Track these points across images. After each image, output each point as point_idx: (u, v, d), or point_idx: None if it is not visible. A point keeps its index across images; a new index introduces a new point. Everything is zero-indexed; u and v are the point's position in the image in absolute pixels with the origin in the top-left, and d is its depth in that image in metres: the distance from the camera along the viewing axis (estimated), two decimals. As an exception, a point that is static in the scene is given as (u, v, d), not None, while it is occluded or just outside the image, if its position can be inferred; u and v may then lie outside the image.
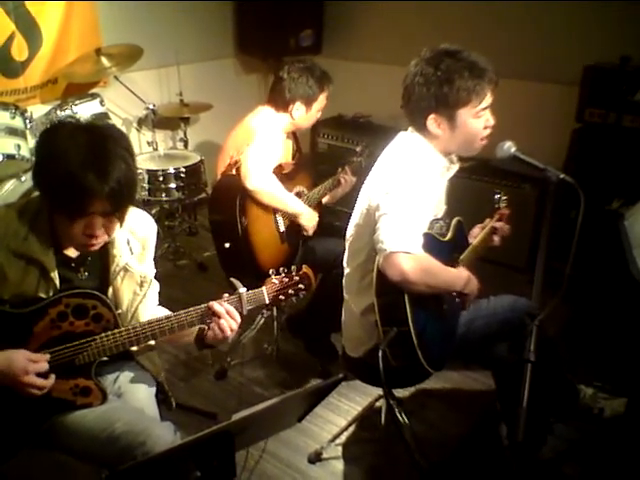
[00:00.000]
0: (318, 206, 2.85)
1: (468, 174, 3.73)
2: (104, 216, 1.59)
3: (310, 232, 2.79)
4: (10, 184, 3.25)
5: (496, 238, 2.23)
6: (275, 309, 2.87)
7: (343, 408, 2.70)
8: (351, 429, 2.53)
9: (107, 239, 1.67)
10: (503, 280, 3.19)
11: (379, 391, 2.46)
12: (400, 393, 2.57)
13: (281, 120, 2.76)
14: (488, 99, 1.92)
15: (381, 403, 2.43)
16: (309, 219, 2.77)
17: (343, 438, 2.51)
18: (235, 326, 1.73)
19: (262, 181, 2.56)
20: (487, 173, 3.74)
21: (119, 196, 1.56)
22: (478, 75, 1.87)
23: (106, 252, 1.75)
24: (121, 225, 1.69)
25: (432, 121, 1.94)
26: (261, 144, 2.60)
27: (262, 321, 3.00)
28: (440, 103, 1.89)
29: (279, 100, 2.73)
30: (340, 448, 2.48)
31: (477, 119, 1.93)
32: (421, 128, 1.98)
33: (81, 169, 1.49)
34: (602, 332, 2.92)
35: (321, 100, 2.77)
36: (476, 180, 3.77)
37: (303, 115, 2.76)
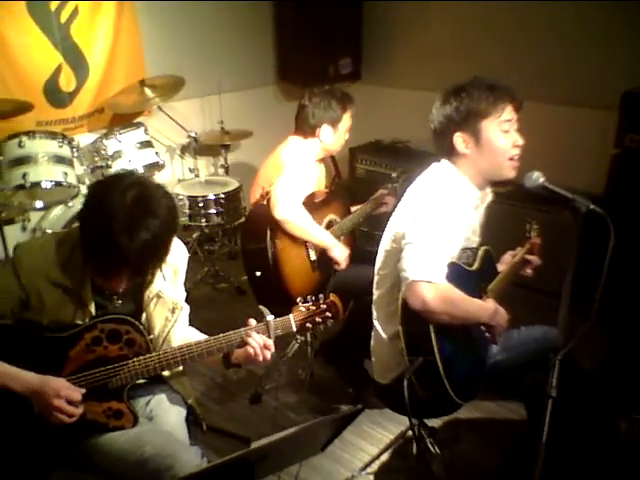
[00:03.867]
0: (350, 234, 2.86)
1: (506, 200, 3.68)
2: (127, 277, 1.67)
3: (343, 265, 2.77)
4: (58, 209, 3.40)
5: (528, 270, 2.22)
6: (309, 335, 2.89)
7: (376, 437, 2.68)
8: (383, 458, 2.52)
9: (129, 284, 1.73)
10: (541, 307, 3.13)
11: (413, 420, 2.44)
12: (434, 422, 2.53)
13: (311, 147, 2.81)
14: (510, 113, 1.94)
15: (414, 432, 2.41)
16: (340, 253, 2.76)
17: (375, 467, 2.49)
18: (269, 357, 1.78)
19: (289, 211, 2.60)
20: (526, 199, 3.69)
21: (143, 264, 1.64)
22: (497, 90, 1.93)
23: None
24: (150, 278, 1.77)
25: (459, 139, 1.96)
26: (290, 174, 2.65)
27: (296, 346, 3.02)
28: (462, 117, 1.93)
29: (305, 127, 2.80)
30: (372, 477, 2.46)
31: (503, 134, 1.94)
32: (449, 152, 2.00)
33: (118, 236, 1.54)
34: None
35: (346, 120, 2.81)
36: (515, 206, 3.71)
37: (331, 137, 2.81)
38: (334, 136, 2.81)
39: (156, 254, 1.65)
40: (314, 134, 2.79)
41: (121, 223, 1.54)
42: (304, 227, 2.67)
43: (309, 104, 2.78)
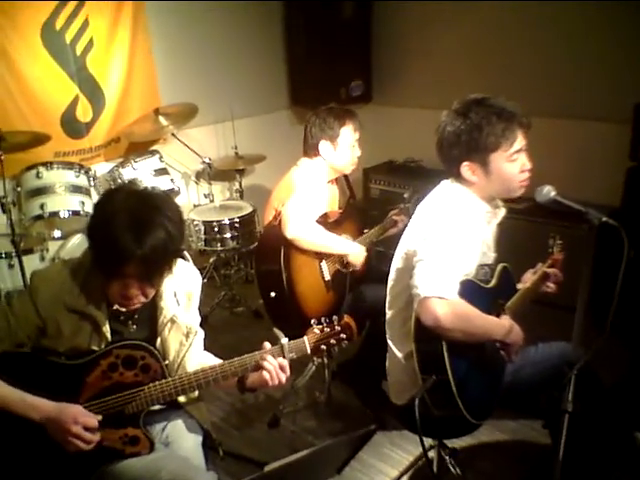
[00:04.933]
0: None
1: (524, 215, 3.66)
2: (139, 280, 1.66)
3: (357, 267, 2.80)
4: (76, 238, 3.46)
5: (550, 285, 2.19)
6: (326, 356, 2.88)
7: (396, 459, 2.65)
8: (403, 480, 2.49)
9: (145, 300, 1.74)
10: (562, 322, 3.08)
11: (431, 441, 2.40)
12: (455, 442, 2.50)
13: (319, 166, 2.82)
14: (520, 142, 1.92)
15: (434, 453, 2.38)
16: (356, 256, 2.79)
17: (394, 489, 2.47)
18: (284, 379, 1.77)
19: (300, 229, 2.61)
20: (544, 214, 3.66)
21: (152, 263, 1.63)
22: (507, 119, 1.89)
23: (154, 304, 1.82)
24: (155, 289, 1.75)
25: (466, 168, 1.95)
26: (300, 194, 2.67)
27: (313, 368, 3.00)
28: (471, 150, 1.92)
29: (307, 147, 2.83)
30: (391, 499, 2.44)
31: (511, 163, 1.93)
32: (457, 176, 2.00)
33: (120, 232, 1.58)
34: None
35: (345, 134, 2.78)
36: (532, 221, 3.69)
37: (332, 153, 2.79)
38: (335, 152, 2.80)
39: (161, 253, 1.63)
40: (316, 153, 2.81)
41: (123, 220, 1.59)
42: (317, 242, 2.67)
43: (309, 124, 2.81)
